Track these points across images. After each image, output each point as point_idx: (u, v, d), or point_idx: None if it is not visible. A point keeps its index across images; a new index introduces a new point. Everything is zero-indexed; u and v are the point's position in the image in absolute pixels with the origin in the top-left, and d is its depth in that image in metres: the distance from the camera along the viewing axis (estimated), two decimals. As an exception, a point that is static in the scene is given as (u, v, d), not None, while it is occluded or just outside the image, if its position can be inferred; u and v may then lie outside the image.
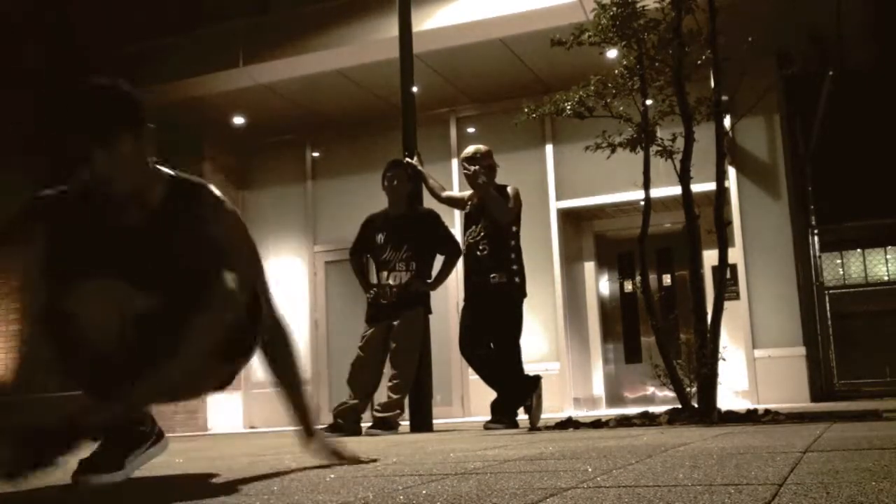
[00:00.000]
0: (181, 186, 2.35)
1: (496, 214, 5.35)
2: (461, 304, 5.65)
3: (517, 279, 5.39)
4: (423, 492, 1.58)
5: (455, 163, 9.30)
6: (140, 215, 2.29)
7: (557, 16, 7.64)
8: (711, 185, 4.63)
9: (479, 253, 5.41)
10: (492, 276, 5.33)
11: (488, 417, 5.33)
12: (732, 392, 8.36)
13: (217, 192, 2.38)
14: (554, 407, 7.92)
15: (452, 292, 8.50)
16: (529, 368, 5.50)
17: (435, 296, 5.74)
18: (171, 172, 2.38)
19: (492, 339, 5.37)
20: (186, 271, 2.23)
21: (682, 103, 4.61)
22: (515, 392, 5.26)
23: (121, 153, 2.19)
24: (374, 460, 2.45)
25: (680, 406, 4.41)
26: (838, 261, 11.37)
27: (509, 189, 5.47)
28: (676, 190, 4.72)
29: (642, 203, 4.77)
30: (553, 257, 9.24)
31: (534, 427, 4.77)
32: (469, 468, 2.06)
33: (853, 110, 11.43)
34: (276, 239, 10.33)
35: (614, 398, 9.94)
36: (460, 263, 5.67)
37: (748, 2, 6.91)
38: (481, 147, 5.58)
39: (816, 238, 10.44)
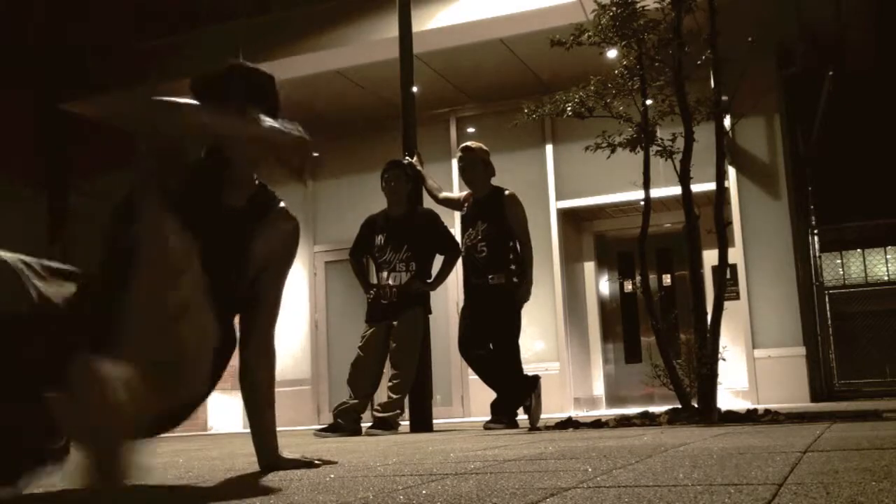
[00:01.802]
0: (266, 193, 2.55)
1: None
2: (461, 304, 5.65)
3: (515, 280, 5.40)
4: (423, 492, 1.58)
5: (455, 163, 9.29)
6: (235, 203, 2.43)
7: (557, 16, 7.64)
8: (711, 185, 4.63)
9: (477, 254, 5.42)
10: (490, 276, 5.35)
11: (488, 417, 5.34)
12: (732, 392, 8.36)
13: (288, 209, 2.58)
14: (554, 407, 7.91)
15: (452, 292, 8.50)
16: (529, 368, 5.51)
17: (435, 296, 5.74)
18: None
19: (491, 339, 5.38)
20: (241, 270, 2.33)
21: (682, 103, 4.61)
22: (515, 392, 5.26)
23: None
24: (333, 462, 2.47)
25: (680, 406, 4.41)
26: (838, 261, 11.33)
27: (507, 194, 5.49)
28: (676, 190, 4.72)
29: (642, 203, 4.77)
30: (553, 257, 9.24)
31: (534, 427, 4.77)
32: (469, 468, 2.06)
33: (853, 111, 11.42)
34: (276, 239, 10.31)
35: (614, 398, 9.94)
36: (460, 263, 5.68)
37: (748, 2, 6.91)
38: (480, 144, 5.69)
39: (816, 238, 10.42)
